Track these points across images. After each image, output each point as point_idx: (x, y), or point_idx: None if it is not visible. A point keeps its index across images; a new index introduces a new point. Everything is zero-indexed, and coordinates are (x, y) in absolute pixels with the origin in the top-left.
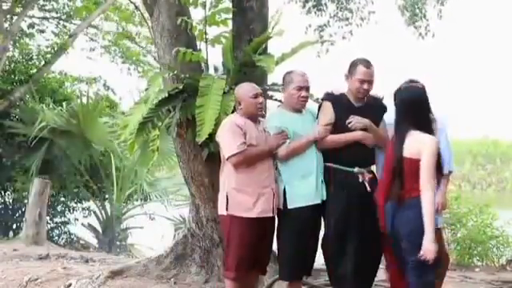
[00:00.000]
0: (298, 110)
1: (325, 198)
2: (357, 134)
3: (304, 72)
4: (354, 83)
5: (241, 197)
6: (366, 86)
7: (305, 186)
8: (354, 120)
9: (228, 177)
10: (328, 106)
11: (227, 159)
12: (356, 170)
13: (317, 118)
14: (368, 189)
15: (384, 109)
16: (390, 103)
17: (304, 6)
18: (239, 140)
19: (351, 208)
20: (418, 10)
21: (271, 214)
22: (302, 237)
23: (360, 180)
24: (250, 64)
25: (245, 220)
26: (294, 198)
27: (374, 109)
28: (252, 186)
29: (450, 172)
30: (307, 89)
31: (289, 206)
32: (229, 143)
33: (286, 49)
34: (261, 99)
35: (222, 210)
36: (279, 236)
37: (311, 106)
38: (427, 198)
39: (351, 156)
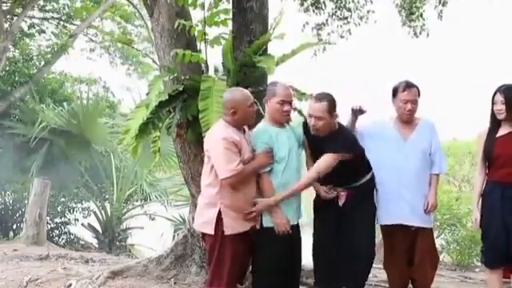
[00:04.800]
0: (282, 124)
1: (300, 219)
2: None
3: (288, 85)
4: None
5: (234, 214)
6: None
7: (284, 206)
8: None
9: (220, 193)
10: None
11: (222, 179)
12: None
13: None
14: (340, 204)
15: None
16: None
17: (302, 4)
18: (235, 160)
19: (330, 221)
20: (415, 9)
21: (256, 225)
22: (281, 260)
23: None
24: (250, 65)
25: (237, 236)
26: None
27: None
28: (244, 201)
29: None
30: (290, 103)
31: (264, 225)
32: (225, 163)
33: (283, 47)
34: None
35: (209, 229)
36: (258, 257)
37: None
38: None
39: (328, 175)
